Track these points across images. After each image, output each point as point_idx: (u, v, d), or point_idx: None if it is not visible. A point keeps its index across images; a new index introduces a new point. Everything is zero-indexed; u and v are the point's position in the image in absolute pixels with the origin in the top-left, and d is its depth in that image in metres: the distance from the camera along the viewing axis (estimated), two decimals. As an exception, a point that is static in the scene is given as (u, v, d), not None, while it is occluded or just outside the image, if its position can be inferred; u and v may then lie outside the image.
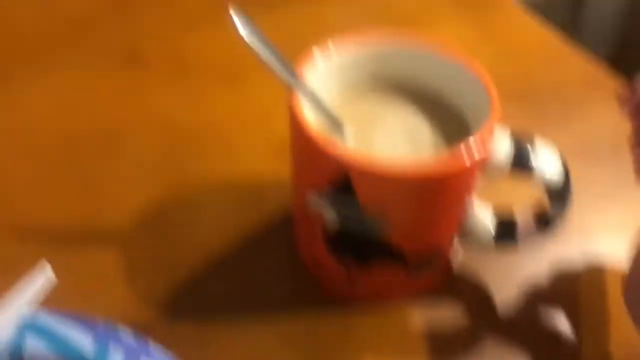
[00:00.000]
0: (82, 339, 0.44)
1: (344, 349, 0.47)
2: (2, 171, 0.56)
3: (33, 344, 0.44)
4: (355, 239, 0.44)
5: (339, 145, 0.39)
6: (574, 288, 0.49)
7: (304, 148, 0.40)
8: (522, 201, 0.46)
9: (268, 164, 0.57)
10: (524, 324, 0.47)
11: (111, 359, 0.43)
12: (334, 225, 0.43)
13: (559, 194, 0.41)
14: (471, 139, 0.39)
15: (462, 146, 0.38)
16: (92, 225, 0.53)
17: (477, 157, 0.38)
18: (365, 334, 0.47)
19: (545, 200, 0.43)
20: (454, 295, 0.49)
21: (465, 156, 0.37)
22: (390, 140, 0.43)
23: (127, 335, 0.44)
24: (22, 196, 0.55)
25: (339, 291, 0.48)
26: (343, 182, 0.39)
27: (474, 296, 0.48)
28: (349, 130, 0.43)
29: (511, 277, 0.49)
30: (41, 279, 0.43)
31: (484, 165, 0.40)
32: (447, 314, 0.47)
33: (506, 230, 0.45)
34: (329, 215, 0.43)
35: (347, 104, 0.45)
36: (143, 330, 0.44)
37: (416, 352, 0.46)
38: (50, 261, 0.44)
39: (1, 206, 0.54)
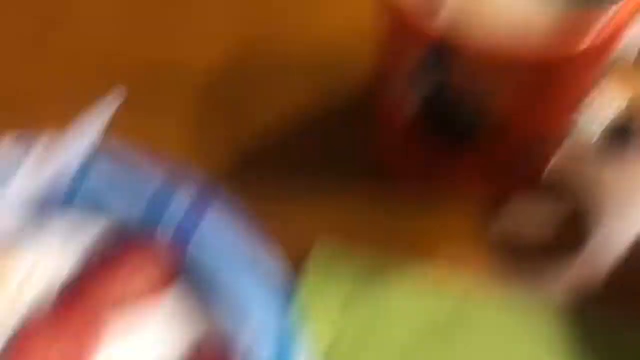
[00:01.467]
0: (146, 181, 0.44)
1: (417, 243, 0.47)
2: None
3: (94, 177, 0.44)
4: (442, 126, 0.41)
5: (436, 13, 0.33)
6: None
7: (393, 19, 0.36)
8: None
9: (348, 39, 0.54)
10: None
11: (176, 203, 0.43)
12: (420, 110, 0.40)
13: None
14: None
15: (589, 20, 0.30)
16: (163, 73, 0.53)
17: (605, 38, 0.31)
18: (439, 229, 0.47)
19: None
20: (542, 200, 0.46)
21: (592, 35, 0.31)
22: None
23: (190, 187, 0.45)
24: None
25: (414, 183, 0.48)
26: (435, 58, 0.35)
27: (562, 206, 0.45)
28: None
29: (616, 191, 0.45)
30: (113, 105, 0.42)
31: (613, 49, 0.33)
32: (530, 219, 0.45)
33: (622, 136, 0.40)
34: (416, 98, 0.40)
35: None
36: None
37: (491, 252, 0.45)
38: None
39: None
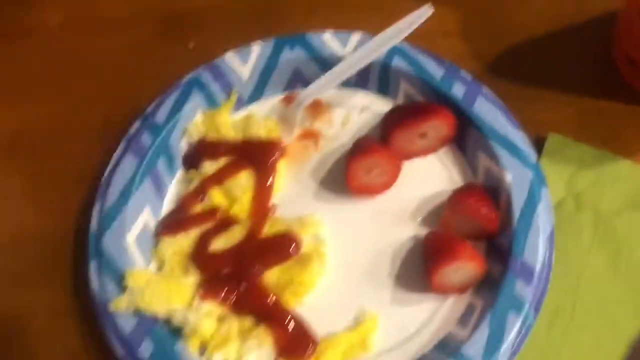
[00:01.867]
0: (434, 68, 0.61)
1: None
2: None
3: (398, 62, 0.62)
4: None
5: None
6: None
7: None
8: None
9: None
10: None
11: (455, 88, 0.60)
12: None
13: None
14: None
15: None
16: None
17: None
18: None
19: None
20: None
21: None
22: None
23: (467, 76, 0.61)
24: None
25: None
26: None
27: None
28: None
29: None
30: (422, 15, 0.59)
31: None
32: None
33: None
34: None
35: None
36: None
37: None
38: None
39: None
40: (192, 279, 0.59)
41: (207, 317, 0.56)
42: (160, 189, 0.65)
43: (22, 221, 0.67)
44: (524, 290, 0.55)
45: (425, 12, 0.65)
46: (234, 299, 0.57)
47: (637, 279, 0.58)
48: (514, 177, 0.59)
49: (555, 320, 0.57)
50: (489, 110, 0.63)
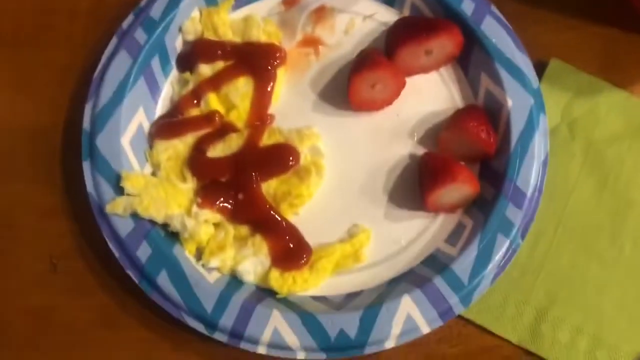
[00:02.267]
0: None
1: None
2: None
3: None
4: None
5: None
6: None
7: None
8: None
9: None
10: None
11: (464, 4, 0.57)
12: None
13: None
14: None
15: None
16: None
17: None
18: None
19: None
20: None
21: None
22: None
23: None
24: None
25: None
26: None
27: None
28: None
29: None
30: None
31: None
32: None
33: None
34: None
35: None
36: None
37: None
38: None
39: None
40: (189, 185, 0.59)
41: (204, 224, 0.57)
42: (154, 89, 0.62)
43: (7, 111, 0.64)
44: (514, 214, 0.57)
45: None
46: (232, 207, 0.58)
47: (619, 208, 0.61)
48: (515, 102, 0.59)
49: (538, 243, 0.60)
50: (496, 31, 0.62)
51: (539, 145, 0.59)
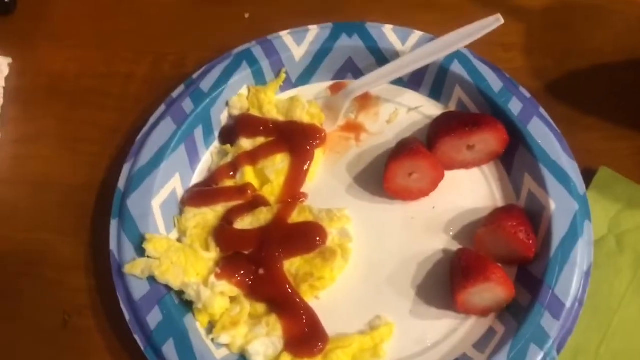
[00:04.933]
0: (494, 79, 0.58)
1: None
2: None
3: (457, 68, 0.59)
4: None
5: None
6: None
7: None
8: None
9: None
10: None
11: (512, 103, 0.57)
12: None
13: None
14: None
15: None
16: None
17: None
18: None
19: None
20: None
21: None
22: None
23: (525, 93, 0.58)
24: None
25: None
26: None
27: None
28: None
29: None
30: (490, 25, 0.56)
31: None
32: None
33: None
34: None
35: None
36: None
37: None
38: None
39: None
40: (211, 255, 0.57)
41: (220, 296, 0.55)
42: (193, 158, 0.63)
43: (49, 164, 0.66)
44: (551, 324, 0.52)
45: (494, 22, 0.62)
46: (250, 282, 0.56)
47: (671, 334, 0.55)
48: (559, 206, 0.57)
49: (577, 360, 0.54)
50: (543, 133, 0.60)
51: (582, 254, 0.55)
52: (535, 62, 0.69)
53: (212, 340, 0.54)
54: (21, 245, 0.62)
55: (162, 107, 0.64)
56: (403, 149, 0.58)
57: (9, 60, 0.72)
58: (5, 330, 0.58)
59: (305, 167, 0.62)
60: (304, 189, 0.62)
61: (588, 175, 0.61)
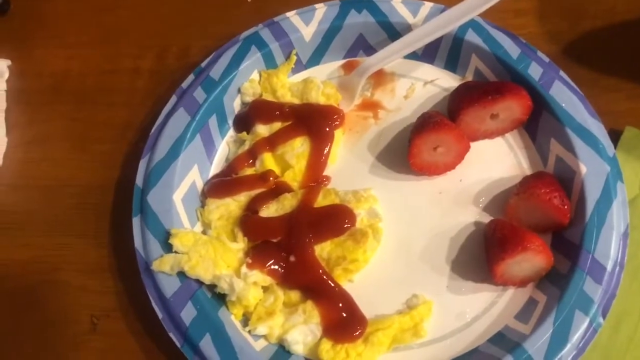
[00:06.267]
0: (511, 46, 0.56)
1: None
2: None
3: (472, 37, 0.57)
4: None
5: None
6: None
7: None
8: None
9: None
10: None
11: (531, 69, 0.55)
12: None
13: None
14: None
15: None
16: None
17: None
18: None
19: None
20: None
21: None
22: None
23: (544, 58, 0.56)
24: None
25: None
26: None
27: None
28: None
29: None
30: None
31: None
32: None
33: None
34: None
35: None
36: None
37: None
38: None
39: None
40: (239, 246, 0.56)
41: (253, 287, 0.53)
42: (209, 148, 0.61)
43: (63, 167, 0.64)
44: (593, 289, 0.51)
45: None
46: (283, 270, 0.54)
47: None
48: (590, 169, 0.55)
49: (621, 324, 0.53)
50: (566, 96, 0.59)
51: (617, 216, 0.54)
52: (549, 26, 0.68)
53: (249, 332, 0.53)
54: (41, 252, 0.60)
55: (174, 99, 0.62)
56: (426, 123, 0.57)
57: (7, 62, 0.70)
58: (35, 339, 0.57)
59: (326, 150, 0.60)
60: (326, 172, 0.60)
61: (613, 137, 0.60)
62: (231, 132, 0.63)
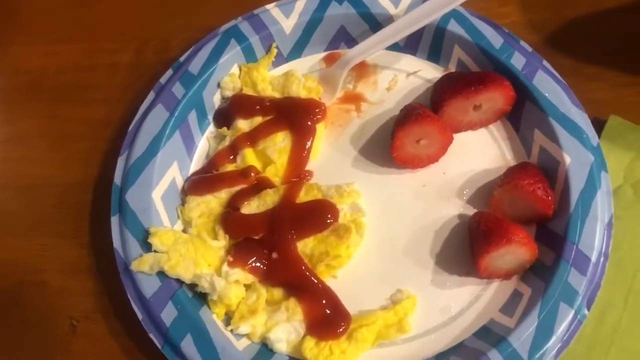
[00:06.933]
0: (493, 35, 0.56)
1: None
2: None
3: (454, 27, 0.57)
4: None
5: None
6: None
7: None
8: None
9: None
10: None
11: (514, 59, 0.55)
12: None
13: None
14: None
15: None
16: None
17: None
18: None
19: None
20: None
21: None
22: None
23: (527, 47, 0.56)
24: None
25: None
26: None
27: None
28: None
29: None
30: None
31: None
32: None
33: None
34: None
35: None
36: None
37: None
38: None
39: None
40: (220, 243, 0.55)
41: (235, 285, 0.52)
42: (189, 144, 0.60)
43: (40, 166, 0.63)
44: (578, 280, 0.51)
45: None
46: (265, 267, 0.54)
47: (698, 278, 0.54)
48: (574, 159, 0.55)
49: (605, 315, 0.53)
50: (549, 86, 0.58)
51: (602, 206, 0.53)
52: (533, 14, 0.67)
53: (232, 331, 0.52)
54: (19, 252, 0.59)
55: (152, 95, 0.61)
56: (409, 115, 0.56)
57: (-19, 60, 0.68)
58: (13, 340, 0.56)
59: (308, 144, 0.59)
60: (308, 167, 0.59)
61: (597, 126, 0.59)
62: (211, 128, 0.62)
